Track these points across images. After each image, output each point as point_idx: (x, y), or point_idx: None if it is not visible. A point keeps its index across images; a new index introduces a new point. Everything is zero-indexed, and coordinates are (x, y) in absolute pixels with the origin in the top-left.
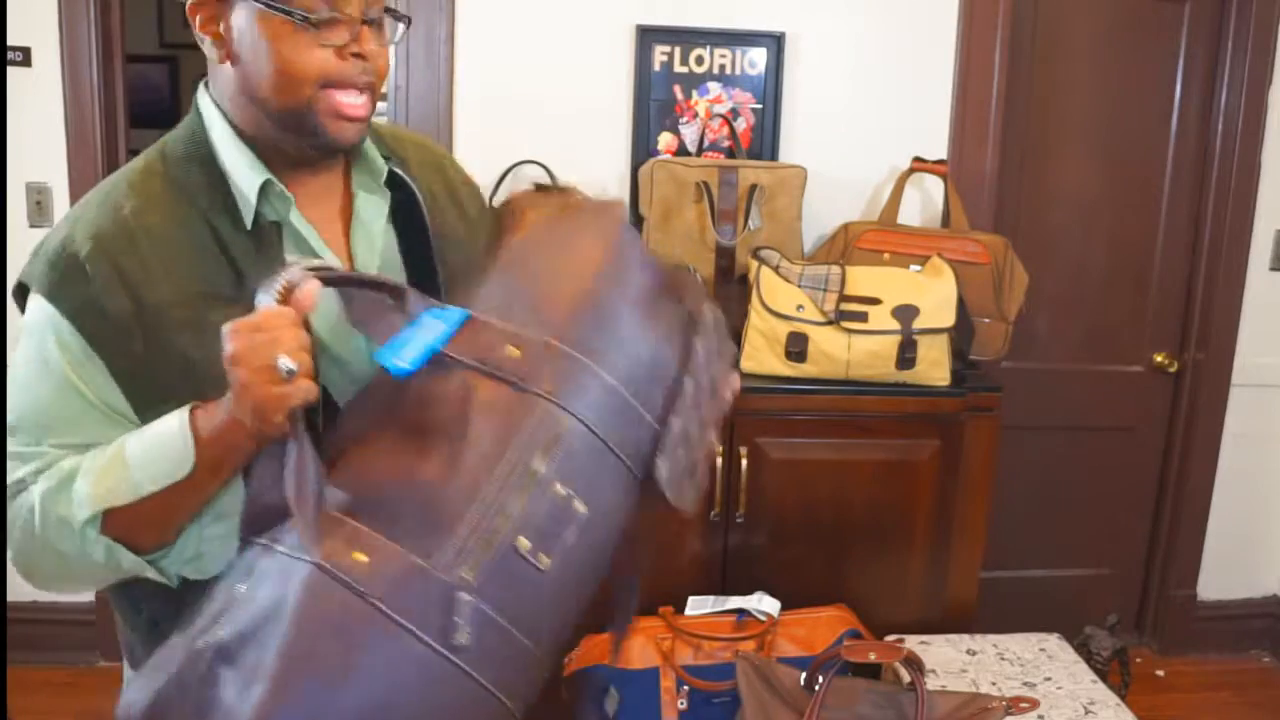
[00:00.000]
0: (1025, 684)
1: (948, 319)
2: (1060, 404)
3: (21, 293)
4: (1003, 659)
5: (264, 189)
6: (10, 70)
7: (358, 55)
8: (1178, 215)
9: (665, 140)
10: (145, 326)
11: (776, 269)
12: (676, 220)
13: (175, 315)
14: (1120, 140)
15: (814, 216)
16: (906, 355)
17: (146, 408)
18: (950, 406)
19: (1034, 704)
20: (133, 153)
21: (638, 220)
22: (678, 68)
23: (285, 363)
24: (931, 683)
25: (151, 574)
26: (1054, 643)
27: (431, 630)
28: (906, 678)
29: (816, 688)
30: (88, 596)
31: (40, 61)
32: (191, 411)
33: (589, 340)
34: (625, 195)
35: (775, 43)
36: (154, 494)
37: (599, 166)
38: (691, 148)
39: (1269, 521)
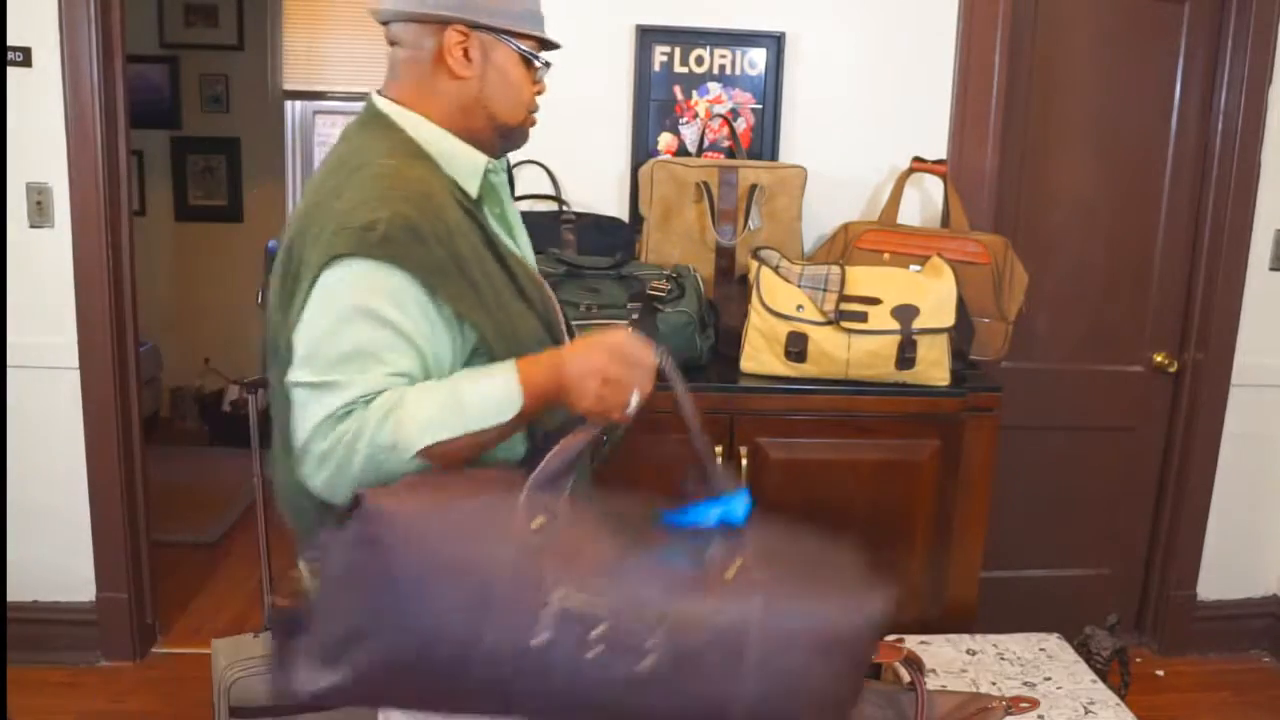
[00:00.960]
0: (1025, 684)
1: (947, 319)
2: (1060, 404)
3: (325, 263)
4: (1003, 659)
5: (486, 172)
6: (10, 70)
7: (541, 91)
8: (1178, 215)
9: (665, 140)
10: (459, 272)
11: (776, 269)
12: (676, 220)
13: (471, 263)
14: (1120, 140)
15: (814, 216)
16: (906, 355)
17: (463, 338)
18: (950, 406)
19: (1034, 704)
20: (134, 153)
21: (637, 220)
22: (678, 68)
23: (635, 402)
24: (931, 682)
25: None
26: (1054, 643)
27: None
28: (906, 677)
29: None
30: (88, 596)
31: (40, 61)
32: (518, 368)
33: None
34: (625, 195)
35: (775, 43)
36: (475, 432)
37: (599, 166)
38: (691, 148)
39: (1269, 521)
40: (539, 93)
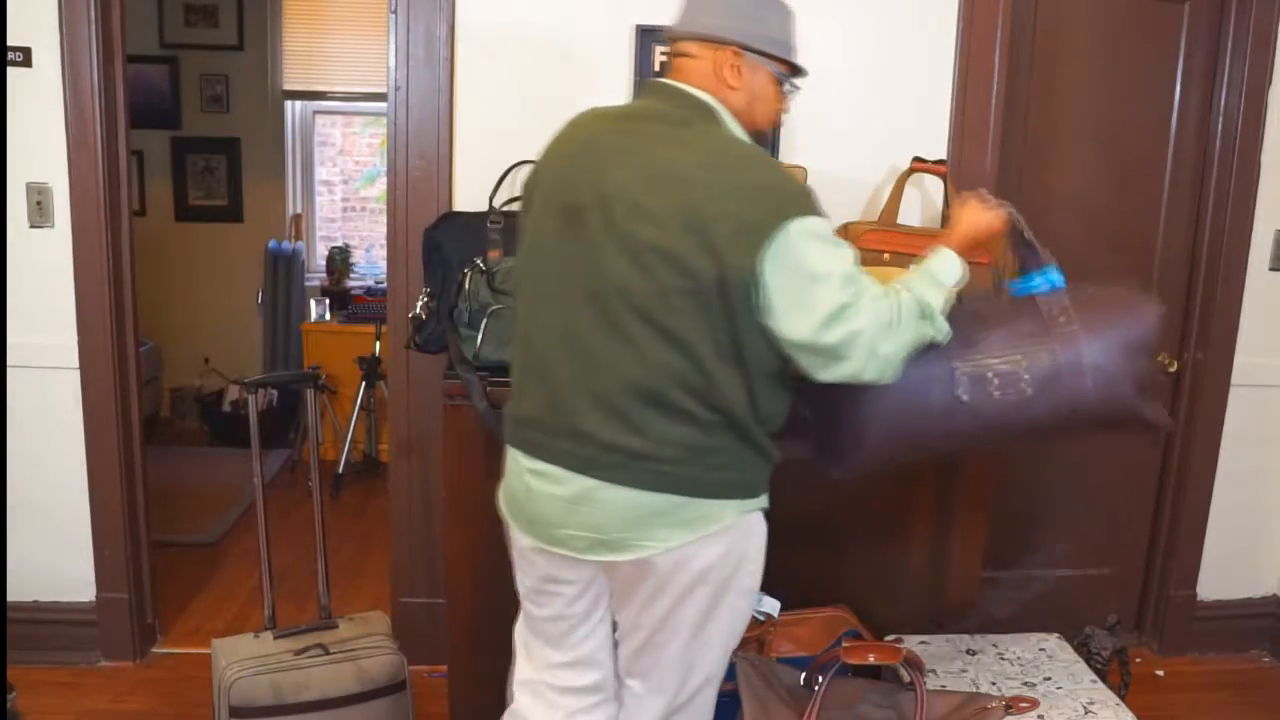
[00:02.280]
0: (1025, 684)
1: None
2: None
3: (784, 220)
4: (1003, 659)
5: None
6: (10, 70)
7: (785, 109)
8: (1178, 215)
9: None
10: None
11: None
12: None
13: None
14: (1120, 140)
15: None
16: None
17: None
18: None
19: (1033, 704)
20: (134, 153)
21: None
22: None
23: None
24: (931, 682)
25: (942, 338)
26: (1054, 643)
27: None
28: (906, 677)
29: (816, 687)
30: (88, 596)
31: (40, 61)
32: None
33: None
34: None
35: None
36: (947, 289)
37: None
38: None
39: (1269, 521)
40: (783, 110)
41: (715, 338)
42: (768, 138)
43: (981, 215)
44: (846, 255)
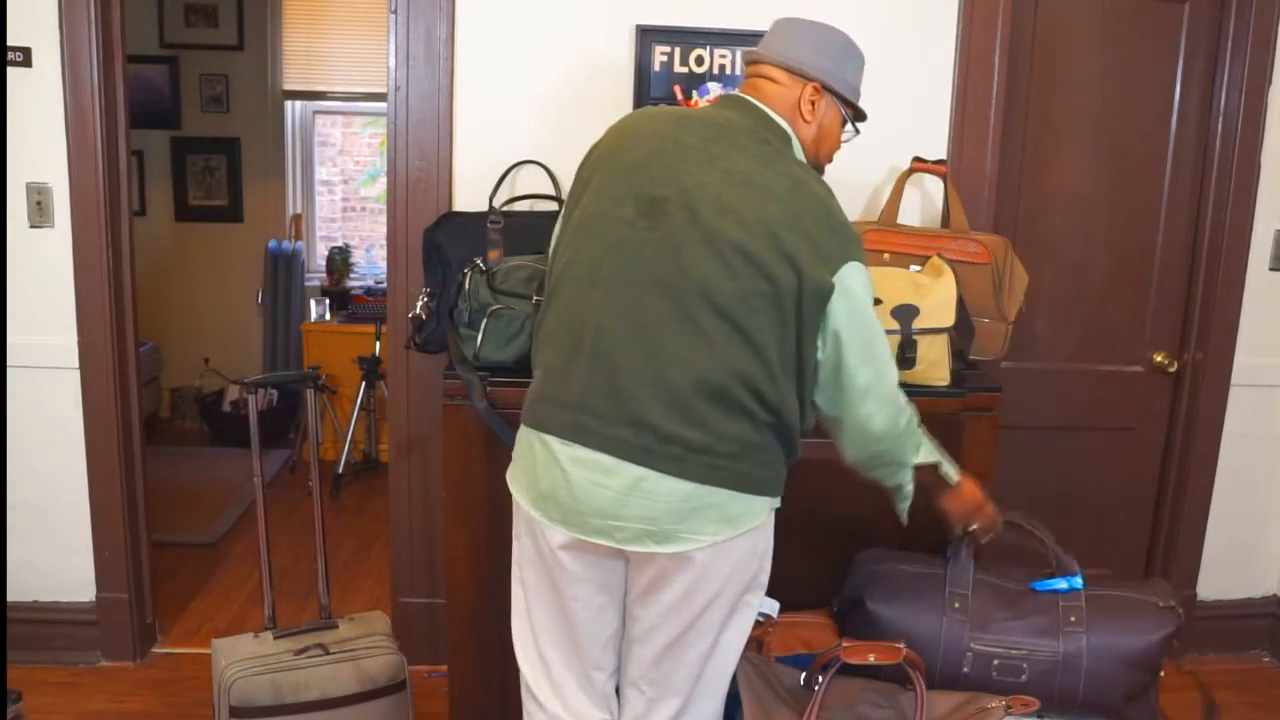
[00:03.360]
0: None
1: (948, 319)
2: (1060, 404)
3: (846, 260)
4: None
5: None
6: (10, 70)
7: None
8: (1178, 215)
9: None
10: None
11: None
12: None
13: None
14: (1120, 140)
15: None
16: (906, 355)
17: None
18: (950, 406)
19: (1033, 703)
20: (134, 153)
21: None
22: (678, 68)
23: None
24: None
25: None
26: None
27: None
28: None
29: (816, 687)
30: (88, 596)
31: (40, 61)
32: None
33: None
34: None
35: None
36: (934, 470)
37: None
38: None
39: (1269, 521)
40: (838, 149)
41: (784, 344)
42: (821, 169)
43: (983, 503)
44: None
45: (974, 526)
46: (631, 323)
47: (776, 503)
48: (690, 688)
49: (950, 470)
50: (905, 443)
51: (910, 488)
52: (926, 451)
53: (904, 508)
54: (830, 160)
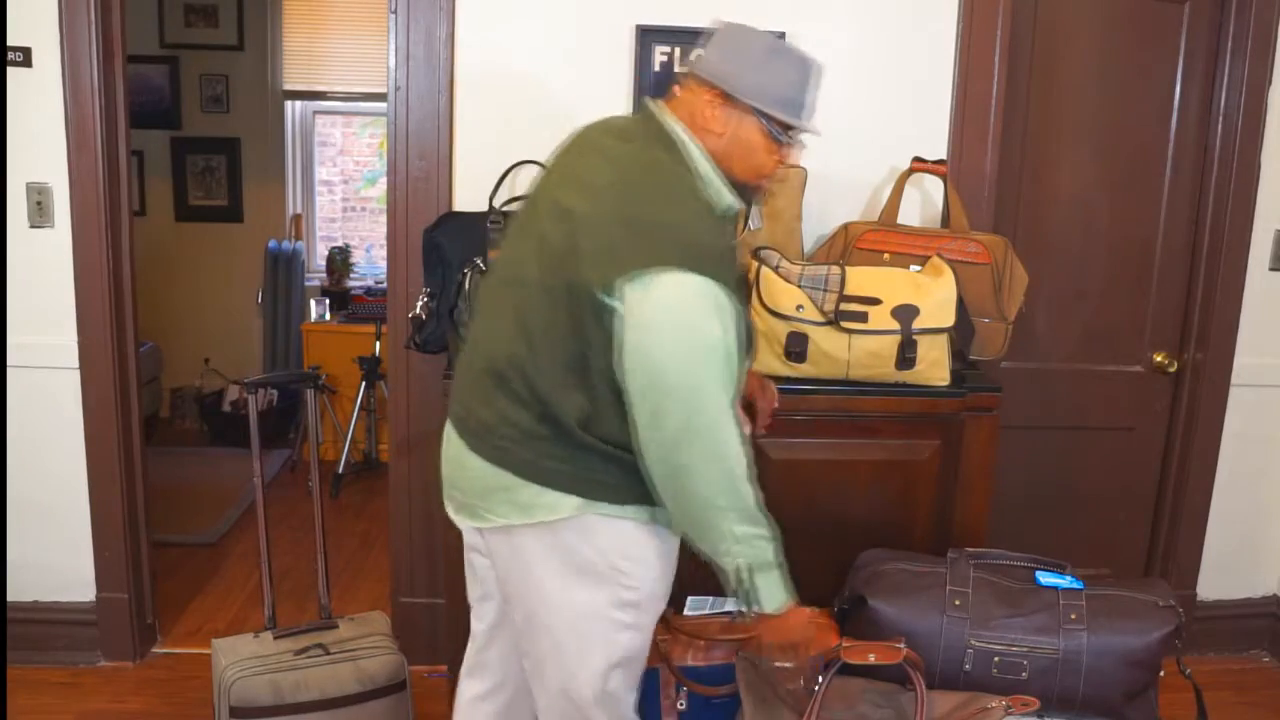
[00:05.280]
0: None
1: (948, 319)
2: (1060, 404)
3: (646, 270)
4: None
5: (732, 203)
6: (10, 70)
7: (783, 164)
8: (1178, 215)
9: None
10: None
11: (776, 269)
12: None
13: (727, 266)
14: (1120, 140)
15: (814, 216)
16: (906, 355)
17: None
18: (950, 406)
19: (1033, 702)
20: (134, 153)
21: None
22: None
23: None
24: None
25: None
26: None
27: None
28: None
29: (816, 687)
30: (88, 596)
31: (40, 61)
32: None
33: None
34: None
35: None
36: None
37: None
38: None
39: (1269, 521)
40: (780, 163)
41: (564, 341)
42: (759, 190)
43: (802, 644)
44: (709, 343)
45: (780, 663)
46: (480, 312)
47: (613, 509)
48: (537, 674)
49: (770, 594)
50: (707, 531)
51: (737, 579)
52: (750, 557)
53: (737, 600)
54: (761, 176)
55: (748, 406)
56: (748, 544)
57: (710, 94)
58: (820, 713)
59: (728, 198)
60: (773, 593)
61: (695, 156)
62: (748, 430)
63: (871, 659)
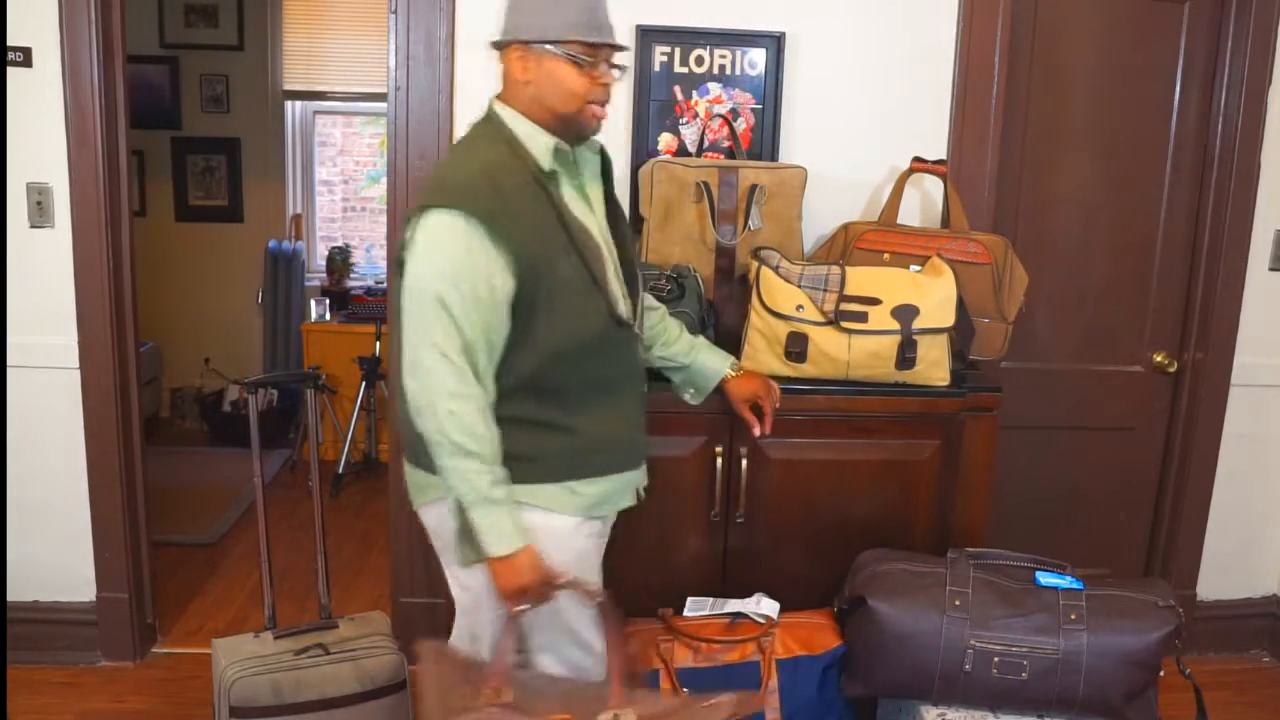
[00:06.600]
0: None
1: (947, 319)
2: (1060, 404)
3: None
4: None
5: (555, 149)
6: (10, 70)
7: (604, 85)
8: (1178, 215)
9: (665, 140)
10: (515, 218)
11: (776, 269)
12: (677, 220)
13: (523, 217)
14: (1120, 141)
15: (814, 216)
16: (906, 355)
17: (522, 273)
18: (950, 406)
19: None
20: (134, 153)
21: (637, 221)
22: (678, 68)
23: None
24: None
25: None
26: None
27: None
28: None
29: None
30: (88, 596)
31: (40, 61)
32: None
33: None
34: (625, 195)
35: (775, 43)
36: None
37: None
38: (691, 148)
39: (1269, 521)
40: (602, 83)
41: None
42: (588, 119)
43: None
44: (439, 277)
45: (522, 606)
46: None
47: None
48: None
49: (493, 534)
50: (434, 449)
51: (459, 502)
52: (463, 492)
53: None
54: (578, 105)
55: (754, 408)
56: (460, 478)
57: (513, 51)
58: (503, 675)
59: (548, 141)
60: (496, 532)
61: (507, 119)
62: (756, 432)
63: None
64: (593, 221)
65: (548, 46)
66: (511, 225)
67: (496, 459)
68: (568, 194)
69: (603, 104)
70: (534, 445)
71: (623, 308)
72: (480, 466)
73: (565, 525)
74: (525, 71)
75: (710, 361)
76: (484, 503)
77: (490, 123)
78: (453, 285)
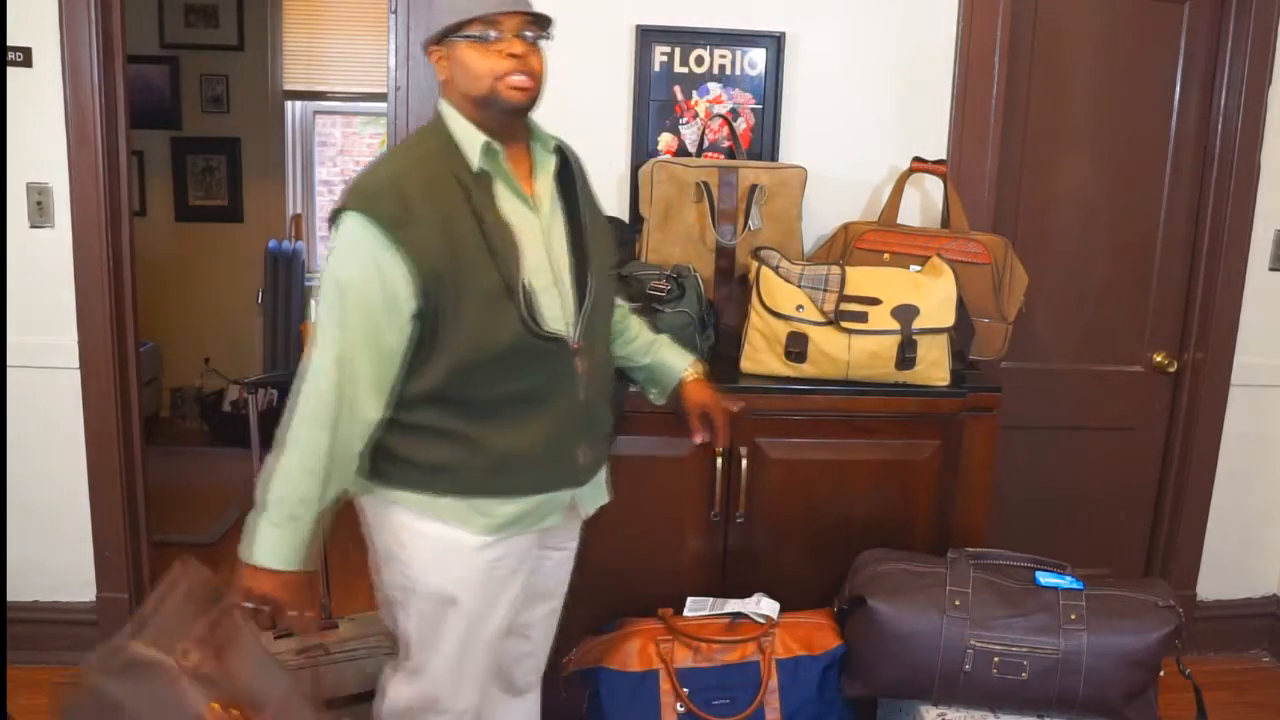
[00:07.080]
0: None
1: (947, 319)
2: (1060, 404)
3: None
4: None
5: (484, 147)
6: (10, 70)
7: (513, 55)
8: (1178, 215)
9: (665, 140)
10: (418, 223)
11: (776, 269)
12: (677, 220)
13: (430, 222)
14: (1120, 141)
15: (814, 216)
16: (906, 355)
17: (425, 280)
18: (950, 406)
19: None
20: (134, 153)
21: (637, 221)
22: (678, 68)
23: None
24: None
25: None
26: None
27: None
28: None
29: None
30: (88, 596)
31: (40, 61)
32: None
33: None
34: (625, 195)
35: (775, 43)
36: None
37: (599, 167)
38: (691, 148)
39: (1269, 521)
40: (510, 54)
41: None
42: (508, 96)
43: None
44: (334, 281)
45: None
46: None
47: (378, 490)
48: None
49: (256, 542)
50: (283, 440)
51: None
52: (261, 493)
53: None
54: (490, 85)
55: (703, 416)
56: (265, 476)
57: (434, 54)
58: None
59: (480, 140)
60: (258, 542)
61: (448, 119)
62: (696, 440)
63: None
64: (532, 225)
65: (451, 37)
66: (414, 231)
67: (319, 498)
68: (502, 195)
69: (520, 74)
70: (436, 457)
71: (551, 318)
72: (276, 479)
73: (468, 541)
74: (444, 69)
75: (670, 359)
76: (261, 511)
77: (434, 122)
78: (344, 289)
